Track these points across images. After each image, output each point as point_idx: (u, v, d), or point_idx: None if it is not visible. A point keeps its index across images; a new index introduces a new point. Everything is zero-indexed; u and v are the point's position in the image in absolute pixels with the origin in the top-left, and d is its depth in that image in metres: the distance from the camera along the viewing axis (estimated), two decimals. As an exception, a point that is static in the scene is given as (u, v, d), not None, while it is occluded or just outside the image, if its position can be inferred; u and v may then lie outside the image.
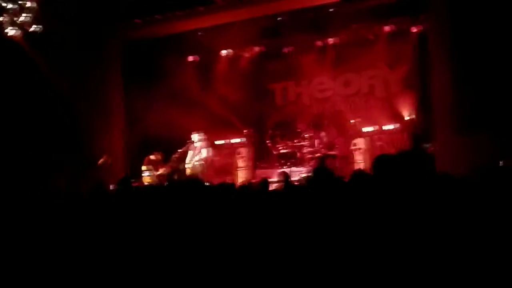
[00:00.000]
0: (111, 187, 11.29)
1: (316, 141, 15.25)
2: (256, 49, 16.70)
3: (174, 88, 15.18)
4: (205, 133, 14.26)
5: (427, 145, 13.14)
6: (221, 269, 3.23)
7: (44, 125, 13.81)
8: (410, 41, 14.69)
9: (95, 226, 4.35)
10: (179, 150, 13.70)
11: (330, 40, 15.77)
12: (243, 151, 16.10)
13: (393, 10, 14.15)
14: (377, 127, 14.86)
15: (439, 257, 1.92)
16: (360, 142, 14.58)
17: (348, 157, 14.79)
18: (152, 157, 14.33)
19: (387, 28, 14.95)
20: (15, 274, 3.79)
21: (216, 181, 11.15)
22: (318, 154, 14.56)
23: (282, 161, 15.33)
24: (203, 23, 15.08)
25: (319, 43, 15.96)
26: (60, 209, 5.50)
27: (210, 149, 13.95)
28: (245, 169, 15.88)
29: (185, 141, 14.18)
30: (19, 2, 13.15)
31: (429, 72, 12.87)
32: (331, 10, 14.34)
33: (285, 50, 16.46)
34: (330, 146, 14.91)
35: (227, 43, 16.30)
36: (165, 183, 13.75)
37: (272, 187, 9.42)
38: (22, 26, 13.21)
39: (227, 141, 16.50)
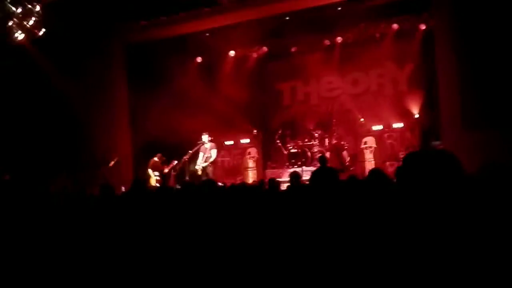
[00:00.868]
0: (123, 189, 11.41)
1: (326, 140, 15.32)
2: (264, 49, 16.74)
3: (180, 89, 15.24)
4: (214, 134, 14.32)
5: (437, 143, 13.16)
6: (231, 268, 3.28)
7: (49, 127, 13.92)
8: (417, 39, 14.69)
9: (108, 228, 4.40)
10: (189, 151, 13.76)
11: (338, 39, 15.80)
12: (253, 151, 16.16)
13: (400, 8, 14.15)
14: (386, 125, 14.88)
15: (452, 260, 1.98)
16: (370, 141, 14.62)
17: (358, 156, 14.84)
18: (155, 159, 14.44)
19: (394, 26, 14.96)
20: (18, 275, 3.83)
21: (227, 181, 11.24)
22: (320, 154, 14.58)
23: (293, 161, 15.37)
24: (209, 24, 15.13)
25: (326, 42, 15.99)
26: (65, 211, 5.56)
27: (215, 150, 14.00)
28: (255, 169, 15.95)
29: (193, 142, 14.24)
30: (27, 6, 13.21)
31: (436, 70, 12.88)
32: (338, 9, 14.33)
33: (293, 49, 16.47)
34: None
35: (234, 44, 16.34)
36: (170, 183, 13.92)
37: (284, 187, 9.49)
38: (30, 30, 13.28)
39: (237, 141, 16.57)
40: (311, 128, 15.82)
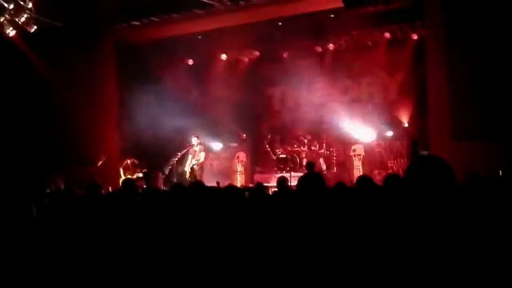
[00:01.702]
0: (110, 189, 11.35)
1: (315, 147, 15.34)
2: (255, 53, 16.74)
3: (170, 90, 15.21)
4: (203, 136, 14.28)
5: (425, 152, 13.20)
6: (218, 270, 3.28)
7: (37, 125, 13.82)
8: (409, 48, 14.74)
9: (95, 228, 4.37)
10: (178, 153, 13.72)
11: (330, 46, 15.83)
12: (241, 155, 16.15)
13: (392, 17, 14.20)
14: (375, 134, 14.92)
15: (439, 264, 1.98)
16: (359, 148, 14.66)
17: (346, 163, 14.88)
18: (128, 161, 14.40)
19: (386, 35, 15.00)
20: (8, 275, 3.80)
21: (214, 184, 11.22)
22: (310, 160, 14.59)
23: (281, 166, 15.37)
24: (201, 27, 15.10)
25: (318, 48, 16.01)
26: (55, 210, 5.52)
27: (204, 153, 13.96)
28: (244, 174, 15.93)
29: (181, 144, 14.20)
30: (19, 2, 13.12)
31: (427, 80, 12.94)
32: (331, 16, 14.36)
33: (284, 55, 16.49)
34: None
35: (225, 47, 16.34)
36: (158, 184, 13.87)
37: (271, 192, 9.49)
38: (21, 27, 13.20)
39: (226, 145, 16.55)
40: (300, 134, 15.82)
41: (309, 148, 15.34)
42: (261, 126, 17.08)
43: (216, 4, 13.85)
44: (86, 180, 12.04)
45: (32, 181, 10.82)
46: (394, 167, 14.62)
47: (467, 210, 2.15)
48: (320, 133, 15.64)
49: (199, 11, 14.23)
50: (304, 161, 14.87)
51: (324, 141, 15.35)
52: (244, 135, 16.33)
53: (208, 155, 14.84)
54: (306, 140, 15.48)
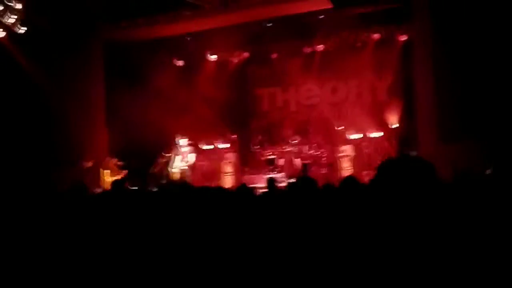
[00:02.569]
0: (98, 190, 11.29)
1: (303, 148, 15.34)
2: (244, 54, 16.74)
3: (159, 91, 15.15)
4: (191, 137, 14.22)
5: (413, 153, 13.25)
6: (207, 272, 3.26)
7: (23, 125, 13.72)
8: (397, 49, 14.82)
9: (81, 229, 4.34)
10: (165, 154, 13.67)
11: (318, 47, 15.85)
12: (230, 156, 16.11)
13: (381, 18, 14.26)
14: (363, 134, 14.96)
15: (427, 265, 1.98)
16: (347, 149, 14.69)
17: (334, 164, 14.89)
18: (112, 161, 14.34)
19: (375, 36, 15.07)
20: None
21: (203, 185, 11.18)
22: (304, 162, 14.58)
23: (271, 167, 15.37)
24: (190, 27, 15.08)
25: (307, 49, 16.03)
26: (41, 210, 5.46)
27: (193, 154, 13.92)
28: (233, 175, 15.90)
29: (169, 145, 14.14)
30: (6, 3, 13.04)
31: (414, 80, 13.01)
32: (320, 17, 14.40)
33: (273, 55, 16.51)
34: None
35: (214, 48, 16.31)
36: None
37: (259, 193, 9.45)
38: (8, 27, 13.11)
39: (214, 146, 16.51)
40: (289, 135, 15.83)
41: (298, 149, 15.34)
42: (250, 126, 17.07)
43: (205, 5, 13.85)
44: (73, 180, 11.95)
45: (18, 181, 10.73)
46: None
47: (454, 207, 2.15)
48: (308, 134, 15.65)
49: (188, 12, 14.22)
50: (296, 162, 14.91)
51: (313, 142, 15.36)
52: (233, 136, 16.30)
53: (197, 156, 14.79)
54: (294, 142, 15.47)
